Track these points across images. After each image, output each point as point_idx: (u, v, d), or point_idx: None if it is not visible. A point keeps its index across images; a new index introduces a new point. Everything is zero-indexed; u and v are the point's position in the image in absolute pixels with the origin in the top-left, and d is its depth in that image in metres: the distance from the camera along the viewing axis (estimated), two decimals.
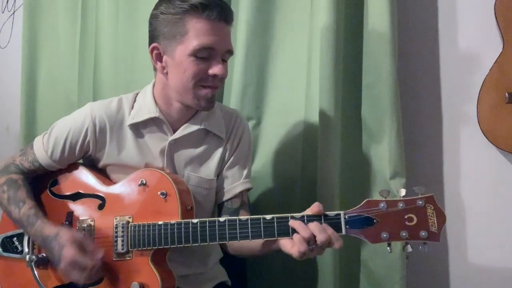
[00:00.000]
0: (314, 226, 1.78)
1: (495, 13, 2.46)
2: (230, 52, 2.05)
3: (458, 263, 2.64)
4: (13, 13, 3.48)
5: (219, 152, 2.22)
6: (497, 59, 2.45)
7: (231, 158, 2.25)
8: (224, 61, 2.03)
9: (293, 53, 2.70)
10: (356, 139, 2.63)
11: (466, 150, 2.62)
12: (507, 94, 2.41)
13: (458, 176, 2.64)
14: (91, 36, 3.07)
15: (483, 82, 2.47)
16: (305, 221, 1.81)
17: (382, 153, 2.51)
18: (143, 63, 2.84)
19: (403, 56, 2.59)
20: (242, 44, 2.67)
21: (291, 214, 1.84)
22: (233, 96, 2.72)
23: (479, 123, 2.50)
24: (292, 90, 2.69)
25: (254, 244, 2.00)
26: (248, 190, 2.30)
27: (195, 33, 1.93)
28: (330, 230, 1.77)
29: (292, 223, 1.81)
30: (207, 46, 1.94)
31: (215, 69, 1.97)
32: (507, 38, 2.44)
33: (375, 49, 2.48)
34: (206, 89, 2.02)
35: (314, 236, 1.77)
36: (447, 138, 2.65)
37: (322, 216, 1.81)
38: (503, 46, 2.46)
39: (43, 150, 2.17)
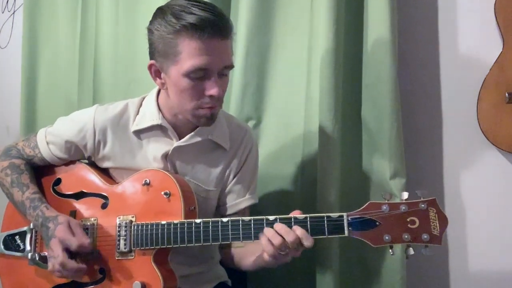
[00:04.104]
0: (281, 228, 1.82)
1: (495, 13, 2.47)
2: (229, 67, 1.98)
3: (458, 262, 2.65)
4: (13, 13, 3.47)
5: (222, 163, 2.21)
6: (497, 59, 2.46)
7: (238, 174, 2.25)
8: (223, 75, 1.98)
9: (293, 53, 2.70)
10: (356, 139, 2.64)
11: (466, 150, 2.63)
12: (507, 94, 2.42)
13: (458, 176, 2.65)
14: (91, 36, 3.06)
15: (483, 82, 2.48)
16: (308, 222, 1.82)
17: (382, 153, 2.51)
18: (143, 63, 2.81)
19: (403, 56, 2.60)
20: (242, 44, 2.67)
21: (294, 215, 1.84)
22: (233, 96, 2.72)
23: (479, 123, 2.50)
24: (292, 90, 2.70)
25: (250, 259, 2.08)
26: (252, 205, 2.30)
27: (188, 54, 1.87)
28: (299, 231, 1.80)
29: (266, 231, 1.84)
30: (201, 67, 1.88)
31: (211, 91, 1.92)
32: (507, 38, 2.45)
33: (375, 49, 2.49)
34: (205, 109, 1.98)
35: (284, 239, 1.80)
36: (447, 138, 2.66)
37: (325, 218, 1.81)
38: (503, 46, 2.46)
39: (45, 140, 2.20)
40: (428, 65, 2.67)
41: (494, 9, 2.47)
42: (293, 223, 1.82)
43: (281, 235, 1.80)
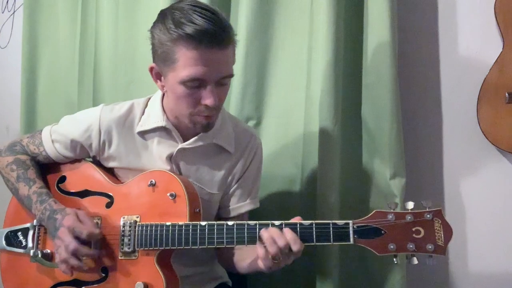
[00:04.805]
0: (273, 233, 1.82)
1: (495, 13, 2.48)
2: (227, 76, 1.96)
3: (458, 262, 2.66)
4: (13, 13, 3.45)
5: (226, 167, 2.21)
6: (497, 59, 2.47)
7: (241, 178, 2.25)
8: (222, 84, 1.96)
9: (293, 53, 2.70)
10: (356, 139, 2.64)
11: (466, 150, 2.64)
12: (507, 94, 2.43)
13: (458, 176, 2.66)
14: (91, 36, 3.05)
15: (483, 82, 2.49)
16: (314, 228, 1.83)
17: (382, 153, 2.52)
18: (143, 63, 2.83)
19: (403, 56, 2.60)
20: (242, 44, 2.66)
21: (300, 221, 1.84)
22: (233, 96, 2.72)
23: (479, 123, 2.51)
24: (292, 90, 2.70)
25: (245, 261, 2.09)
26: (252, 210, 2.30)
27: (184, 63, 1.86)
28: (289, 235, 1.81)
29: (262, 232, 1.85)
30: (196, 78, 1.87)
31: (207, 101, 1.90)
32: (507, 38, 2.46)
33: (375, 49, 2.49)
34: (201, 117, 1.98)
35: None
36: (447, 138, 2.67)
37: (331, 225, 1.82)
38: (503, 46, 2.47)
39: (50, 138, 2.20)
40: (428, 65, 2.68)
41: (494, 9, 2.48)
42: (298, 228, 1.83)
43: (273, 239, 1.81)
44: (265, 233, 1.83)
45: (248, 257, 2.05)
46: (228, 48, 1.90)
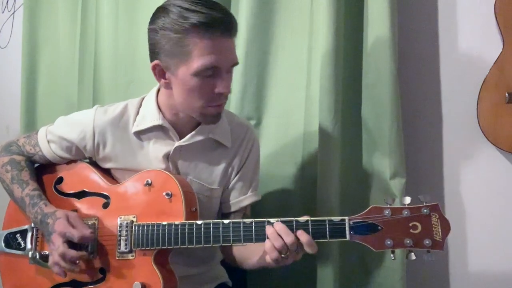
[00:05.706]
0: (280, 228, 1.82)
1: (495, 13, 2.46)
2: (235, 64, 1.98)
3: (458, 262, 2.65)
4: (13, 13, 3.47)
5: (224, 161, 2.21)
6: (497, 59, 2.46)
7: (240, 172, 2.24)
8: (230, 72, 1.98)
9: (293, 53, 2.70)
10: (356, 139, 2.63)
11: (466, 150, 2.63)
12: (507, 94, 2.41)
13: (458, 176, 2.64)
14: (91, 36, 3.07)
15: (483, 82, 2.47)
16: (310, 225, 1.83)
17: (382, 153, 2.51)
18: (143, 62, 2.83)
19: (403, 56, 2.59)
20: (242, 44, 2.66)
21: (296, 218, 1.84)
22: (233, 96, 2.71)
23: (479, 123, 2.50)
24: (292, 90, 2.69)
25: (253, 260, 2.08)
26: (254, 202, 2.30)
27: (198, 53, 1.86)
28: (304, 237, 1.80)
29: (267, 229, 1.83)
30: (211, 66, 1.87)
31: (221, 88, 1.92)
32: (507, 38, 2.45)
33: (375, 49, 2.48)
34: (213, 107, 1.98)
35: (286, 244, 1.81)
36: (447, 138, 2.65)
37: (327, 221, 1.81)
38: (503, 46, 2.46)
39: (45, 139, 2.20)
40: (428, 65, 2.67)
41: (494, 9, 2.46)
42: (294, 226, 1.82)
43: (280, 236, 1.80)
44: (271, 228, 1.82)
45: (255, 254, 2.05)
46: (235, 36, 1.95)
